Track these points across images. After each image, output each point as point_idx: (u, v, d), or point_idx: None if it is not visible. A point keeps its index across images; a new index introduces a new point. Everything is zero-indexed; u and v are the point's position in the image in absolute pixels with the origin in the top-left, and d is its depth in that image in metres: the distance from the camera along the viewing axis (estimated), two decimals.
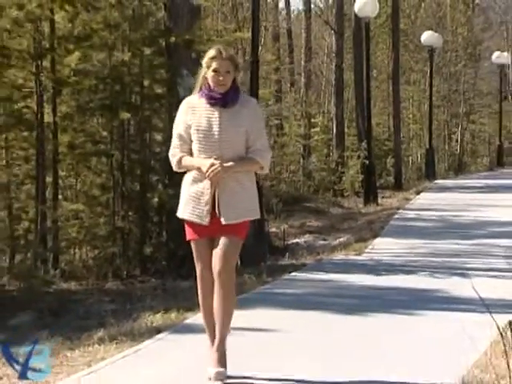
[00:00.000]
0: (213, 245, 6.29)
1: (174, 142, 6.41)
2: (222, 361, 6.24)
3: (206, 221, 6.25)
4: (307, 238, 18.30)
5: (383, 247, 15.39)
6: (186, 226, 6.41)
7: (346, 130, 31.27)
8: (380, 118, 37.93)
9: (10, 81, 15.40)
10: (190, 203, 6.33)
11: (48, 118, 15.19)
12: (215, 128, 6.22)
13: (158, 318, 9.28)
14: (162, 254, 14.56)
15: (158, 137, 15.57)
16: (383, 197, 24.86)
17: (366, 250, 15.02)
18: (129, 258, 14.84)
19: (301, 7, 41.15)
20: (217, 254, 6.23)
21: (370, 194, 23.89)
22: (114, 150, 15.42)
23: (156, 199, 15.00)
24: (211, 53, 6.33)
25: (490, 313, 5.87)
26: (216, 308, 6.25)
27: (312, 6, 37.87)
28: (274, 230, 18.50)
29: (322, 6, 41.04)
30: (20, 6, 14.78)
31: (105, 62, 15.43)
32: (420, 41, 34.30)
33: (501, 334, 5.72)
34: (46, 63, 15.30)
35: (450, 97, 44.34)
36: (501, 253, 13.96)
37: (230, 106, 6.27)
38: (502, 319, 5.95)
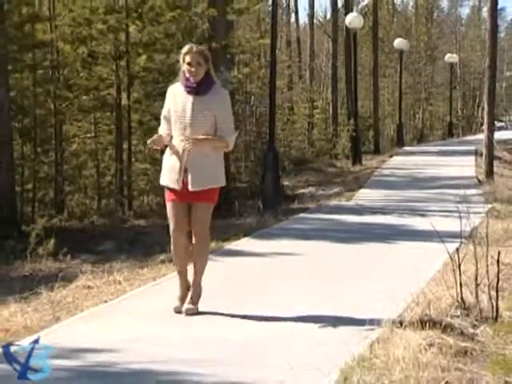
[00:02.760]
0: (187, 211, 5.65)
1: (161, 122, 5.81)
2: (195, 300, 5.72)
3: (178, 186, 5.57)
4: (310, 189, 18.19)
5: (366, 196, 15.32)
6: (165, 190, 5.75)
7: (339, 110, 31.06)
8: (364, 102, 37.65)
9: (97, 75, 15.47)
10: (167, 172, 5.65)
11: (124, 101, 15.23)
12: (188, 112, 5.55)
13: None
14: None
15: None
16: (366, 159, 24.70)
17: (354, 198, 14.96)
18: None
19: (307, 21, 40.91)
20: (193, 218, 5.63)
21: (356, 157, 23.76)
22: None
23: None
24: (184, 49, 5.64)
25: (443, 242, 5.85)
26: (194, 258, 5.73)
27: (315, 20, 37.88)
28: (286, 183, 18.43)
29: (322, 20, 41.04)
30: (104, 21, 14.90)
31: (164, 62, 15.40)
32: (393, 45, 33.94)
33: (450, 257, 5.70)
34: (123, 62, 15.35)
35: (415, 86, 44.13)
36: (451, 199, 13.88)
37: (203, 94, 5.56)
38: (452, 247, 5.93)
